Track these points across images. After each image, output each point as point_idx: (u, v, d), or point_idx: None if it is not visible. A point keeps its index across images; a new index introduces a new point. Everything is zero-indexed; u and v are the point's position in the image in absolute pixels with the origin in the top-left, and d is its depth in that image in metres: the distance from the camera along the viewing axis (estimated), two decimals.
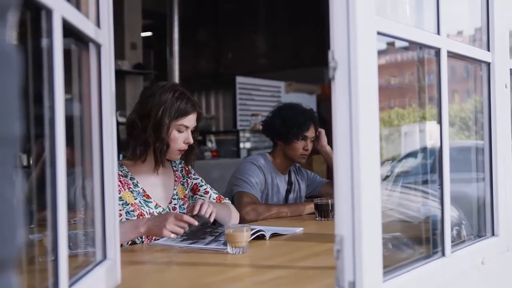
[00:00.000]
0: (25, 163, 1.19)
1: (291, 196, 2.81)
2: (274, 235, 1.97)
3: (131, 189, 2.02)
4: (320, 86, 7.51)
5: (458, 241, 1.50)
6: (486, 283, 1.57)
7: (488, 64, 1.63)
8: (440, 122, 1.37)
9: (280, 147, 2.75)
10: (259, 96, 7.50)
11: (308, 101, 6.29)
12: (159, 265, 1.66)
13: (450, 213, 1.38)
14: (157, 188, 2.10)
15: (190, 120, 2.04)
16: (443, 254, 1.36)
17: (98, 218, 1.24)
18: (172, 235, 1.78)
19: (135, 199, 2.01)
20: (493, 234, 1.62)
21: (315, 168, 4.89)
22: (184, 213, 2.09)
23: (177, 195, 2.15)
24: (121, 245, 1.75)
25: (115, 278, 1.28)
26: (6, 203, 0.60)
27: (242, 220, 2.38)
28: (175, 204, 2.12)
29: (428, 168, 1.51)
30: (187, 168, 2.24)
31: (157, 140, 1.99)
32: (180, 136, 2.03)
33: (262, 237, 1.92)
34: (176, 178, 2.18)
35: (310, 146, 2.71)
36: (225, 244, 1.71)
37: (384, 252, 1.12)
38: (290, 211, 2.57)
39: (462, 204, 1.61)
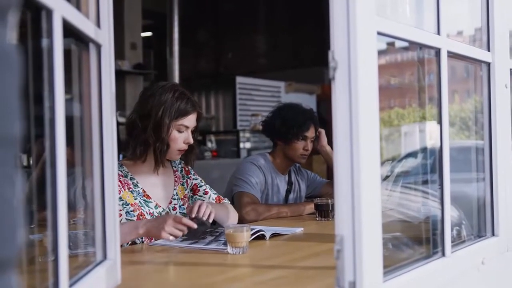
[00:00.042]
0: (25, 163, 1.18)
1: (291, 196, 2.81)
2: (274, 235, 1.97)
3: (131, 189, 2.02)
4: (320, 86, 7.51)
5: (458, 241, 1.50)
6: (486, 283, 1.57)
7: (488, 64, 1.63)
8: (440, 122, 1.37)
9: (280, 147, 2.74)
10: (259, 96, 7.50)
11: (308, 101, 6.29)
12: (159, 265, 1.66)
13: (450, 213, 1.38)
14: (157, 188, 2.10)
15: (190, 120, 2.04)
16: (443, 254, 1.36)
17: (98, 218, 1.24)
18: (171, 238, 1.78)
19: (135, 199, 2.01)
20: (493, 234, 1.62)
21: (315, 168, 4.89)
22: (184, 213, 2.09)
23: (177, 195, 2.15)
24: (121, 245, 1.75)
25: (115, 278, 1.28)
26: (6, 203, 0.60)
27: (242, 220, 2.37)
28: (175, 204, 2.12)
29: (428, 168, 1.51)
30: (187, 168, 2.24)
31: (157, 140, 1.99)
32: (180, 136, 2.03)
33: (262, 237, 1.92)
34: (176, 178, 2.18)
35: (310, 146, 2.71)
36: (225, 244, 1.71)
37: (384, 252, 1.12)
38: (290, 211, 2.57)
39: (462, 204, 1.61)
